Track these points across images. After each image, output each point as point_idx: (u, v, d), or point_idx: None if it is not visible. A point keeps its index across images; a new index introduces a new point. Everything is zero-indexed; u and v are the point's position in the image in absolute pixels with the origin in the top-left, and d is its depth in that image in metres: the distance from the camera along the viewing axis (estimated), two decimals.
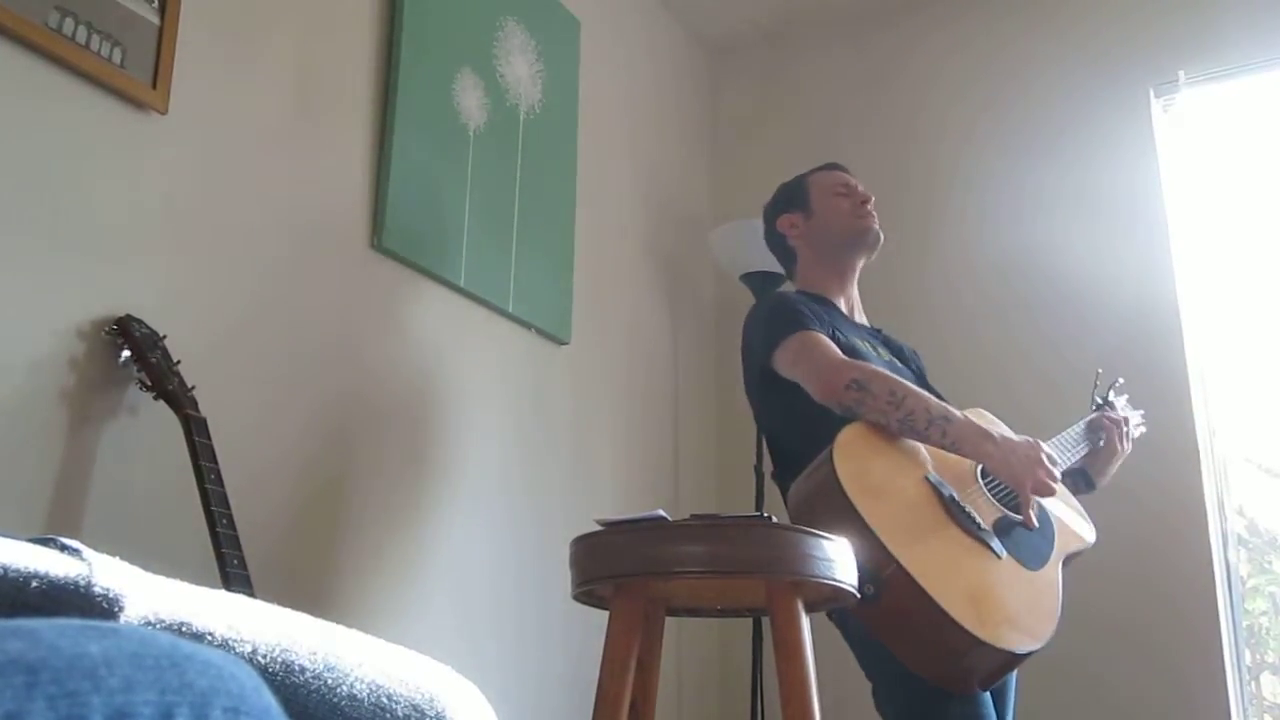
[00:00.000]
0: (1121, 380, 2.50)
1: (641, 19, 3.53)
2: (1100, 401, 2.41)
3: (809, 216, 2.36)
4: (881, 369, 2.00)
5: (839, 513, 1.77)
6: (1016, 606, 1.84)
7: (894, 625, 1.80)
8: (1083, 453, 2.28)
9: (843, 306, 2.32)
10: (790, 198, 2.41)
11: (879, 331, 2.39)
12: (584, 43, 3.11)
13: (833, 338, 2.10)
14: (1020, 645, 1.78)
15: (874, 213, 2.33)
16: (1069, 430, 2.29)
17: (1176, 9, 3.22)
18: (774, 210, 2.43)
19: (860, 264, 2.37)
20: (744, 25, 3.75)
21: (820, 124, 3.57)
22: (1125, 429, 2.33)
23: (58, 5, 1.76)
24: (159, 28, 1.91)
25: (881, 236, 2.33)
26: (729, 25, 3.75)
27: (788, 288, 2.48)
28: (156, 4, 1.92)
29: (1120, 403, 2.45)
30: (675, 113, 3.63)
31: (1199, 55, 3.16)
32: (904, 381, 1.98)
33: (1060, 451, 2.19)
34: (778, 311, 2.16)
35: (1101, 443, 2.30)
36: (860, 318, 2.37)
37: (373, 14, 2.43)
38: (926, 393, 1.98)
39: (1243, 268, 3.13)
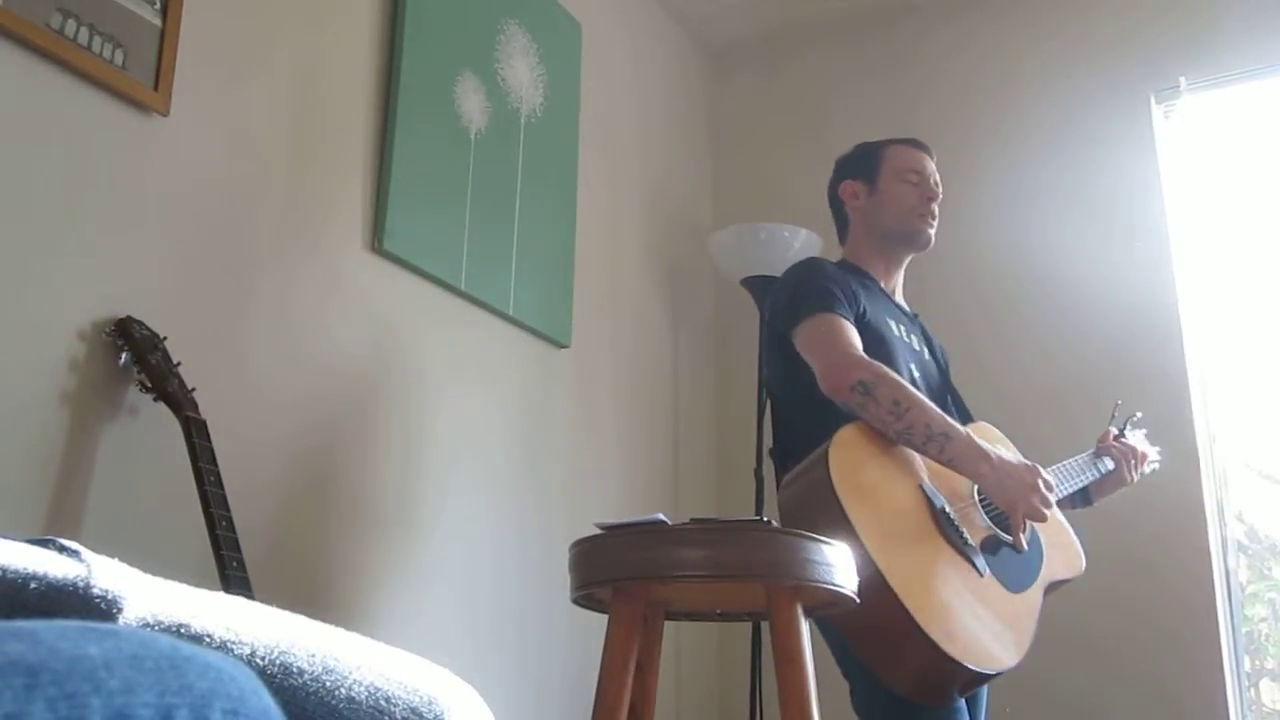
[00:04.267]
0: (1140, 414, 2.49)
1: (642, 22, 3.54)
2: (1117, 432, 2.39)
3: (872, 192, 2.26)
4: (892, 373, 1.95)
5: (826, 510, 1.76)
6: (989, 626, 1.82)
7: (866, 631, 1.80)
8: (1087, 481, 2.26)
9: (883, 285, 2.25)
10: (860, 164, 2.30)
11: (916, 318, 2.33)
12: (585, 46, 3.11)
13: (861, 318, 2.05)
14: (985, 666, 1.76)
15: (936, 213, 2.24)
16: (1075, 458, 2.27)
17: (1178, 15, 3.22)
18: (842, 171, 2.33)
19: (907, 258, 2.30)
20: (744, 28, 3.76)
21: (820, 128, 3.57)
22: (1134, 460, 2.32)
23: (60, 7, 1.76)
24: (161, 30, 1.91)
25: (932, 242, 2.25)
26: (729, 29, 3.76)
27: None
28: (158, 6, 1.92)
29: (1138, 436, 2.43)
30: (676, 116, 3.63)
31: (1200, 61, 3.16)
32: (910, 391, 1.93)
33: (1061, 479, 2.17)
34: (807, 284, 2.09)
35: (1111, 469, 2.30)
36: (900, 299, 2.31)
37: (374, 16, 2.43)
38: (932, 405, 1.94)
39: (1243, 273, 3.13)
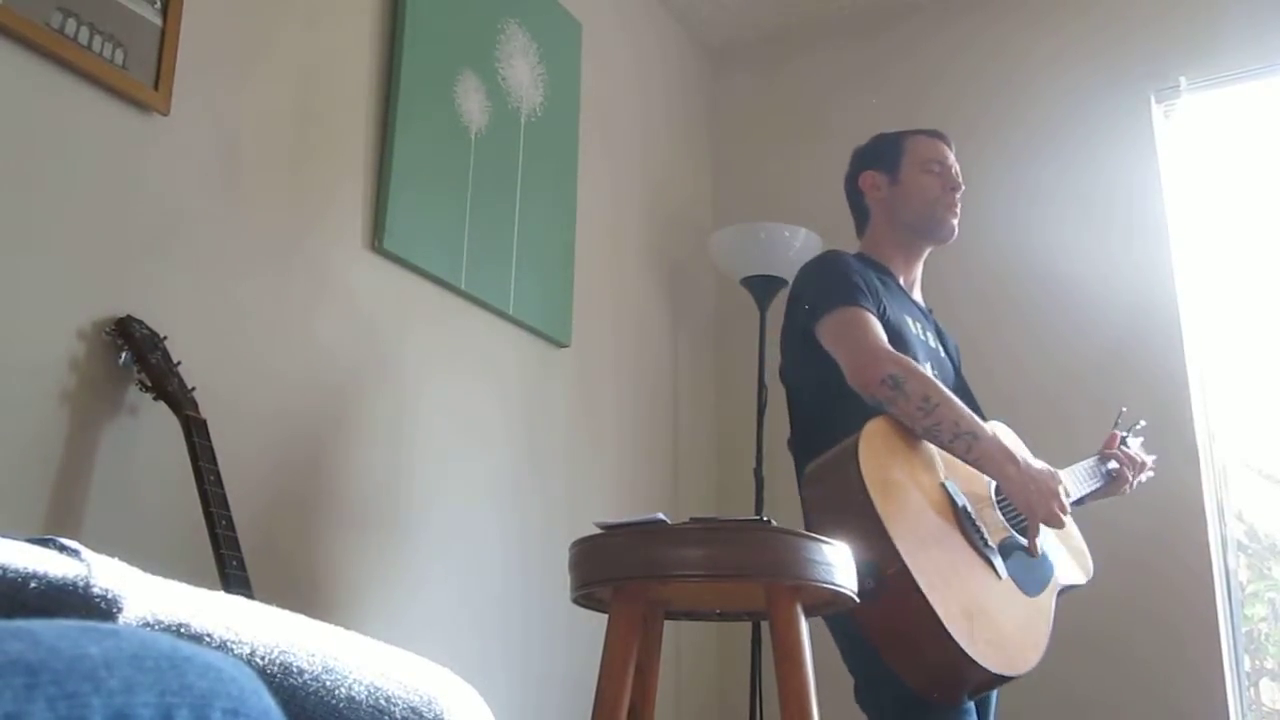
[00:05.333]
0: (1144, 423, 2.49)
1: (643, 22, 3.54)
2: (1122, 438, 2.40)
3: (894, 183, 2.23)
4: (921, 368, 1.96)
5: (854, 505, 1.76)
6: (1008, 629, 1.83)
7: (887, 626, 1.80)
8: (1094, 486, 2.27)
9: (902, 280, 2.24)
10: (881, 155, 2.27)
11: (931, 314, 2.32)
12: (585, 45, 3.11)
13: (883, 315, 2.04)
14: (1004, 668, 1.76)
15: (959, 204, 2.23)
16: (1083, 462, 2.27)
17: (1178, 14, 3.22)
18: (861, 162, 2.30)
19: (928, 250, 2.28)
20: (745, 28, 3.76)
21: (820, 127, 3.57)
22: (1135, 469, 2.33)
23: (60, 6, 1.76)
24: (161, 29, 1.91)
25: (956, 233, 2.24)
26: (730, 28, 3.76)
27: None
28: (159, 5, 1.92)
29: (1135, 444, 2.43)
30: (676, 116, 3.63)
31: (1200, 61, 3.16)
32: (940, 387, 1.93)
33: (1073, 484, 2.17)
34: (831, 276, 2.07)
35: (1113, 477, 2.30)
36: (918, 295, 2.30)
37: (374, 15, 2.43)
38: (960, 402, 1.94)
39: (1242, 273, 3.13)
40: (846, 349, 1.97)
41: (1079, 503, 2.31)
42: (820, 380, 2.04)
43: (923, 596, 1.71)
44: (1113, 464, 2.32)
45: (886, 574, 1.68)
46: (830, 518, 1.73)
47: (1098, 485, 2.28)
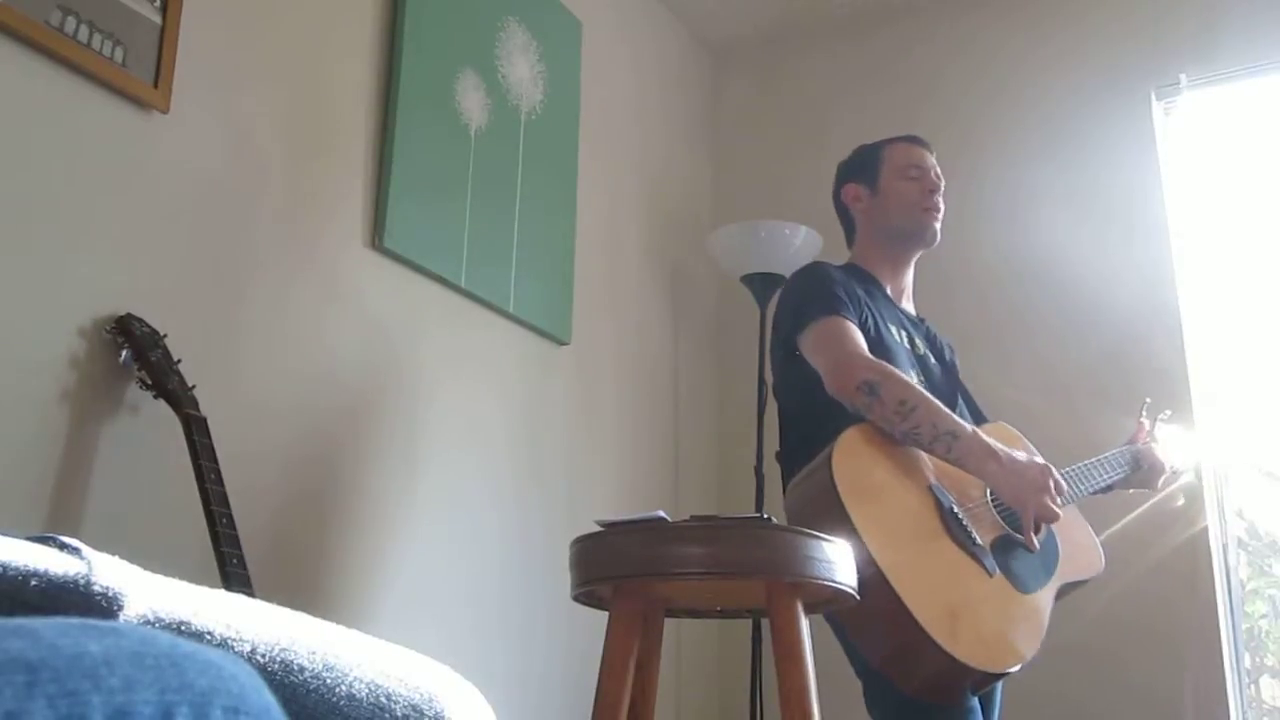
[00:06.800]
0: (1169, 412, 2.49)
1: (643, 20, 3.53)
2: (1149, 428, 2.41)
3: (874, 193, 2.26)
4: (899, 373, 1.95)
5: (830, 512, 1.76)
6: (997, 626, 1.82)
7: (873, 633, 1.80)
8: (1115, 478, 2.26)
9: (889, 289, 2.25)
10: (860, 167, 2.31)
11: (923, 322, 2.33)
12: (585, 43, 3.11)
13: (865, 324, 2.05)
14: (992, 665, 1.76)
15: (940, 205, 2.24)
16: (1109, 453, 2.27)
17: (1179, 12, 3.22)
18: (843, 175, 2.33)
19: (915, 255, 2.30)
20: (745, 26, 3.75)
21: (821, 125, 3.57)
22: (1159, 467, 2.34)
23: (59, 4, 1.76)
24: (161, 27, 1.91)
25: (939, 236, 2.25)
26: (731, 26, 3.75)
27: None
28: (158, 3, 1.92)
29: (1172, 432, 2.43)
30: (676, 114, 3.63)
31: (1201, 58, 3.16)
32: (918, 390, 1.93)
33: (1084, 477, 2.17)
34: (812, 288, 2.09)
35: (1139, 467, 2.31)
36: (908, 303, 2.31)
37: (374, 13, 2.43)
38: (940, 404, 1.94)
39: (1244, 271, 3.13)
40: (825, 358, 1.99)
41: (1106, 490, 2.30)
42: (805, 392, 2.05)
43: (900, 601, 1.70)
44: (1140, 457, 2.32)
45: (862, 578, 1.68)
46: (809, 527, 1.72)
47: (1119, 476, 2.27)
